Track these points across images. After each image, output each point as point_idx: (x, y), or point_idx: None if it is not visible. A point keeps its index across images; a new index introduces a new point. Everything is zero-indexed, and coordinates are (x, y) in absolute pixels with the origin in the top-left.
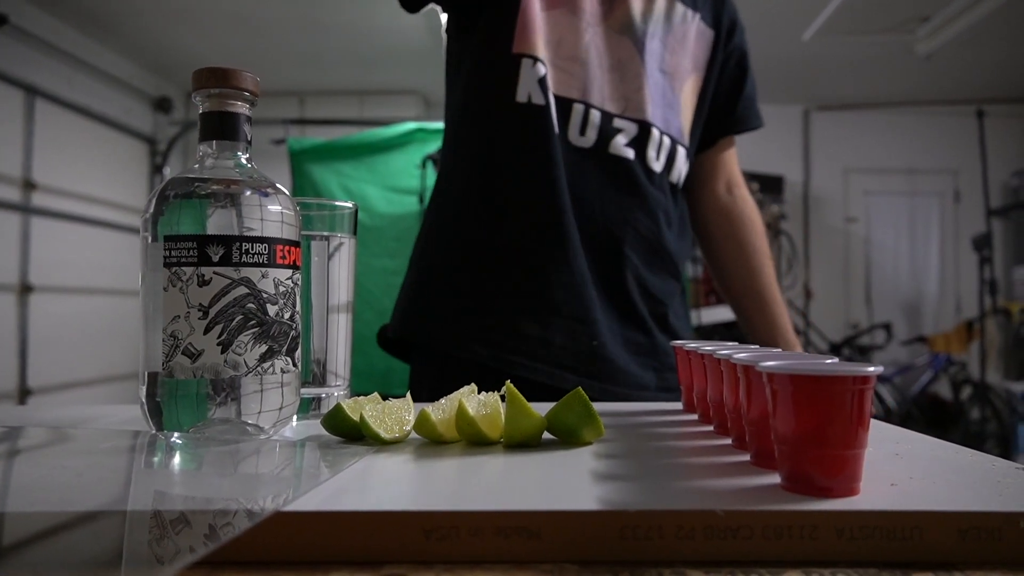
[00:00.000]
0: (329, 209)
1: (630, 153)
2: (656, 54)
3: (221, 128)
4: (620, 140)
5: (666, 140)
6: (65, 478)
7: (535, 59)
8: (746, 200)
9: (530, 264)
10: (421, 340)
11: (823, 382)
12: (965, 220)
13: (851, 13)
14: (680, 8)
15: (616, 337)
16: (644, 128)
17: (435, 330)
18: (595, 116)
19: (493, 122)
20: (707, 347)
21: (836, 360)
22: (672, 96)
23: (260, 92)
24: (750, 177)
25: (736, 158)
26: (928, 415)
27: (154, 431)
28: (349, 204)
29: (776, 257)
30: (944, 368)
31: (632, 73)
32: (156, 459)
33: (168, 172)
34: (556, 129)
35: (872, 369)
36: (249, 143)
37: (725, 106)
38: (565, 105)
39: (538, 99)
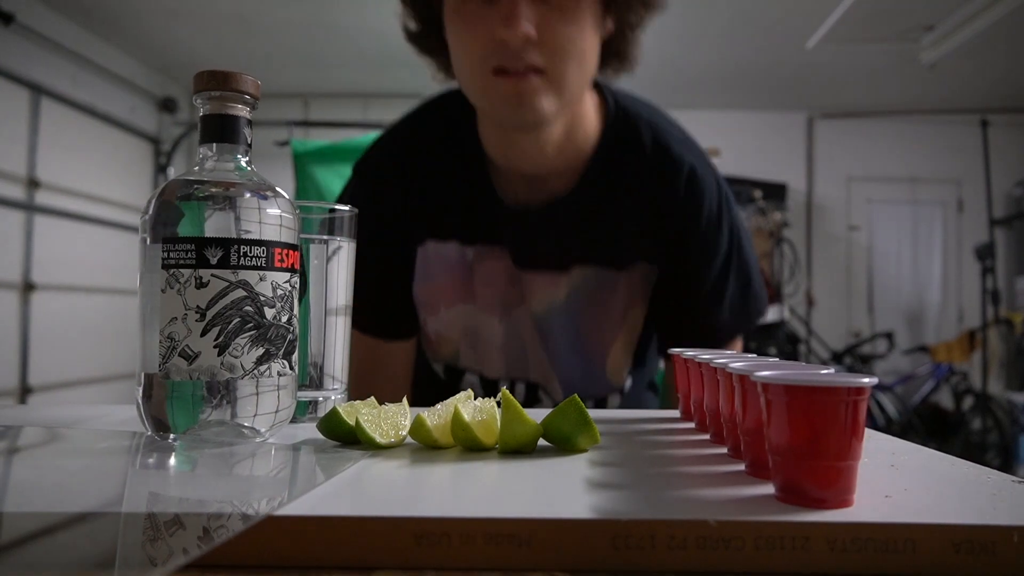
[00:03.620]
0: (329, 212)
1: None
2: (568, 334)
3: (221, 131)
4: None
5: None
6: (60, 478)
7: (444, 364)
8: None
9: None
10: None
11: (817, 393)
12: (968, 230)
13: (855, 21)
14: (597, 273)
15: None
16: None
17: None
18: (521, 387)
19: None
20: (704, 355)
21: (831, 370)
22: (592, 369)
23: (264, 94)
24: (753, 185)
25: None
26: (929, 425)
27: (150, 432)
28: (348, 208)
29: (779, 264)
30: (946, 378)
31: (536, 360)
32: (151, 461)
33: (172, 172)
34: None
35: (866, 380)
36: (249, 146)
37: (672, 333)
38: (490, 385)
39: (450, 376)
